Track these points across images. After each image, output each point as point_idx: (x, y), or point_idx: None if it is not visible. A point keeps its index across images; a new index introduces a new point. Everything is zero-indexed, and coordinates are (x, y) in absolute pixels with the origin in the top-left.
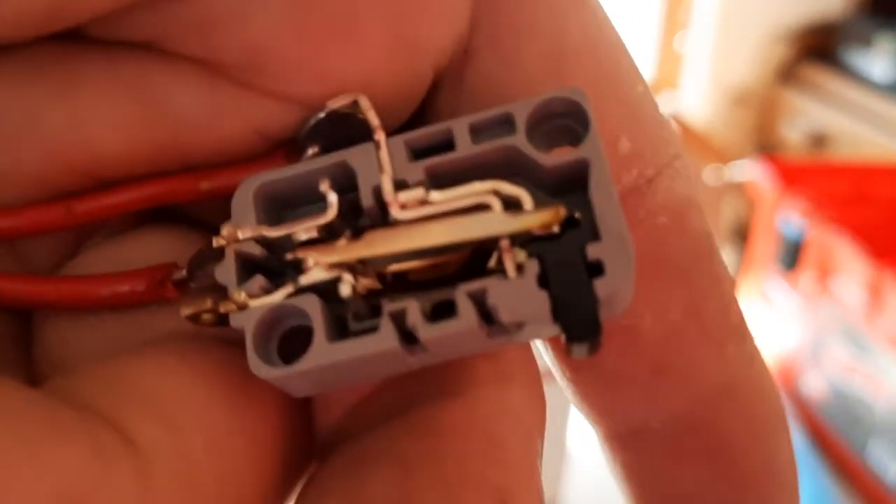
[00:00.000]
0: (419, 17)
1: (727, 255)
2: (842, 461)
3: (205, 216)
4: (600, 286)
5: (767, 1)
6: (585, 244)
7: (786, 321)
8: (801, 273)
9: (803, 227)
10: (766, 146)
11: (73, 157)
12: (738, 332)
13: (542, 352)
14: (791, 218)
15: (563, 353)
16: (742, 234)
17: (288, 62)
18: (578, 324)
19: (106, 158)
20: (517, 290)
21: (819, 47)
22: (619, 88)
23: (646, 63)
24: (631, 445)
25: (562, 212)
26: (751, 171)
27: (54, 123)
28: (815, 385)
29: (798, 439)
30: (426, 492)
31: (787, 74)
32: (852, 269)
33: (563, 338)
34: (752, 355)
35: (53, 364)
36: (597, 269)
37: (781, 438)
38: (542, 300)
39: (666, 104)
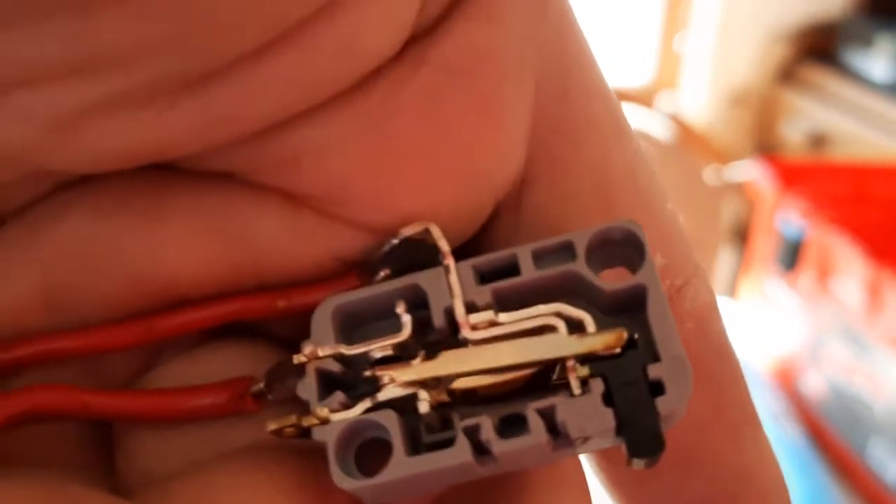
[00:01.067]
0: (484, 156)
1: (727, 255)
2: (842, 461)
3: (275, 330)
4: (662, 404)
5: (767, 1)
6: (647, 364)
7: (786, 321)
8: (801, 273)
9: (803, 227)
10: (766, 146)
11: (152, 283)
12: (753, 420)
13: None
14: (791, 218)
15: (624, 464)
16: (742, 234)
17: (365, 195)
18: (642, 440)
19: (184, 283)
20: (584, 408)
21: (819, 47)
22: (655, 210)
23: (646, 63)
24: None
25: (624, 335)
26: (751, 171)
27: (136, 252)
28: (815, 385)
29: (798, 439)
30: None
31: (787, 74)
32: (852, 269)
33: (625, 452)
34: (763, 441)
35: (137, 473)
36: (657, 387)
37: None
38: (608, 417)
39: (666, 104)
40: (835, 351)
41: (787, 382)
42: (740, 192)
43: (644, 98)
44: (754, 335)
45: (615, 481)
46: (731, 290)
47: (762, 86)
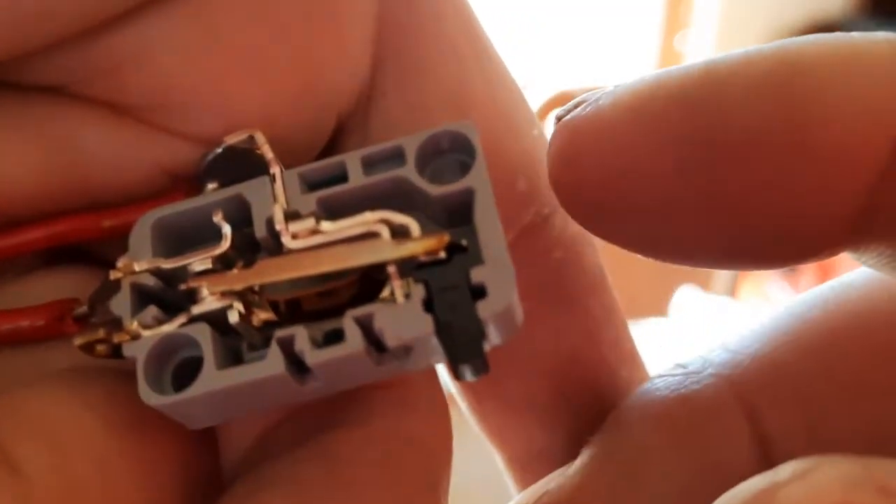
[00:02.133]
0: (319, 61)
1: None
2: None
3: (109, 256)
4: (483, 308)
5: (768, 1)
6: (469, 269)
7: None
8: (801, 273)
9: None
10: None
11: None
12: (631, 358)
13: (448, 381)
14: None
15: (452, 376)
16: None
17: (191, 102)
18: (463, 345)
19: (11, 197)
20: (403, 314)
21: None
22: (517, 133)
23: (646, 62)
24: (532, 469)
25: (446, 238)
26: None
27: None
28: None
29: None
30: None
31: None
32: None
33: (448, 360)
34: (643, 381)
35: None
36: (480, 292)
37: None
38: (426, 323)
39: None
40: None
41: None
42: None
43: None
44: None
45: (486, 419)
46: (732, 291)
47: None
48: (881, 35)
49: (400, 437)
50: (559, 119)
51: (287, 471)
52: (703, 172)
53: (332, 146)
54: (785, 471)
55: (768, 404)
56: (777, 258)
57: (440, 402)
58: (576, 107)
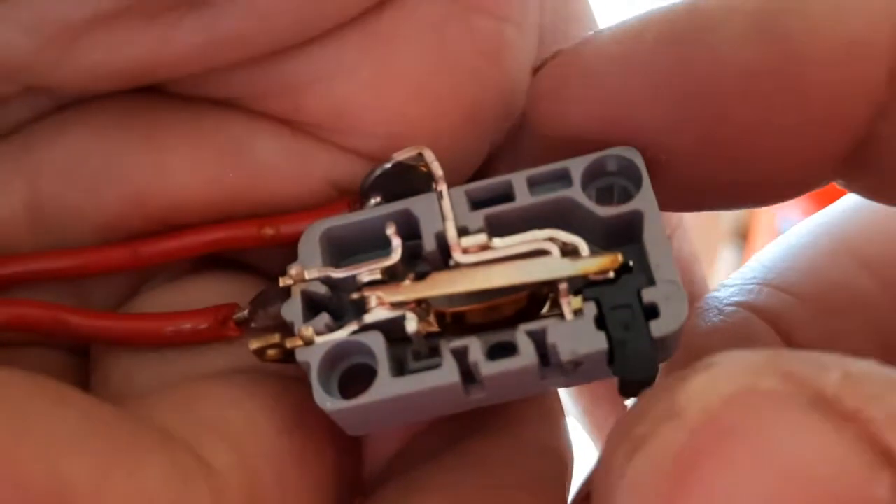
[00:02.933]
0: (483, 92)
1: (727, 255)
2: None
3: (259, 263)
4: (656, 327)
5: None
6: (641, 289)
7: None
8: None
9: None
10: None
11: (151, 202)
12: None
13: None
14: (792, 217)
15: (619, 392)
16: (742, 234)
17: (366, 124)
18: (636, 363)
19: (182, 205)
20: (576, 330)
21: None
22: None
23: None
24: None
25: (620, 257)
26: None
27: (136, 169)
28: None
29: None
30: None
31: None
32: None
33: (618, 380)
34: None
35: (111, 395)
36: (652, 312)
37: None
38: (599, 339)
39: None
40: None
41: None
42: None
43: None
44: None
45: (597, 423)
46: None
47: None
48: None
49: (542, 446)
50: (535, 72)
51: (438, 476)
52: (700, 112)
53: (481, 173)
54: (700, 364)
55: (790, 321)
56: (772, 194)
57: (563, 411)
58: (552, 58)
